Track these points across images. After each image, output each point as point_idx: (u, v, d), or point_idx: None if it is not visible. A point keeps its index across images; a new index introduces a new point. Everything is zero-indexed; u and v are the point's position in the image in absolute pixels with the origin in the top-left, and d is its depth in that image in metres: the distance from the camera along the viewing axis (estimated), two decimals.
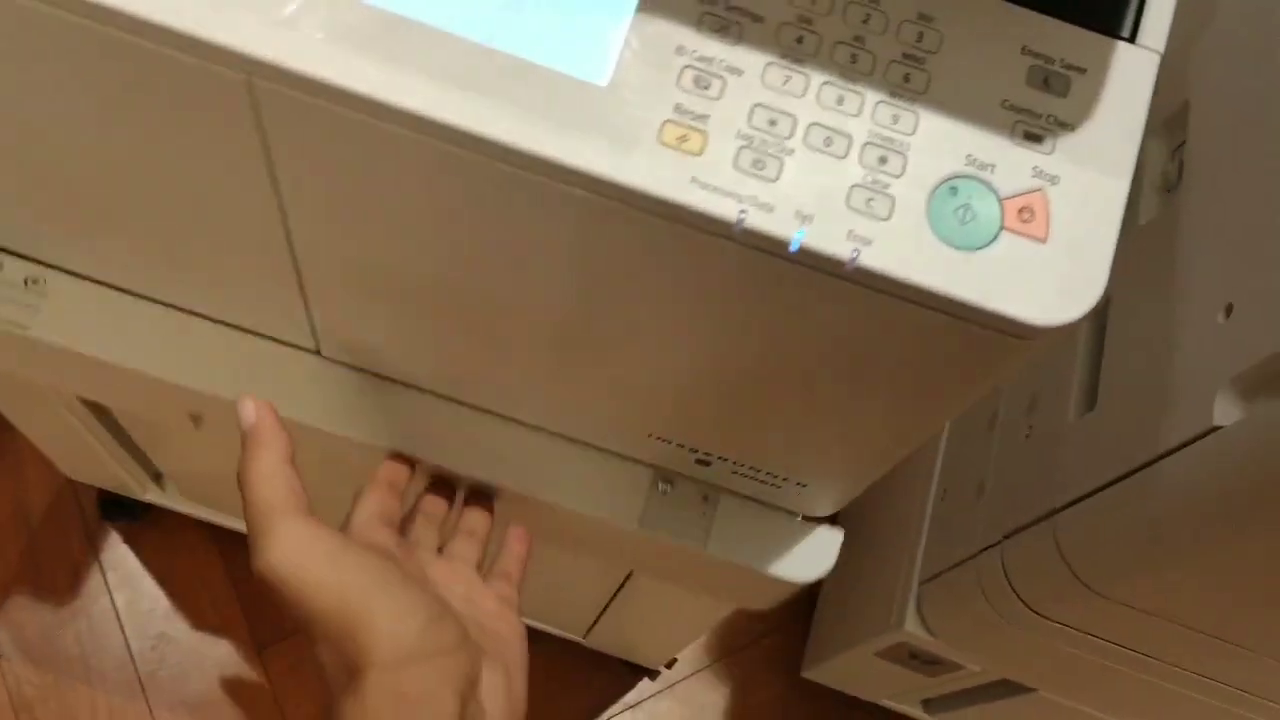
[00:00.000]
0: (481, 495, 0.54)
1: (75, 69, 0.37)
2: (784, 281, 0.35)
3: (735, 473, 0.52)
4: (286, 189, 0.40)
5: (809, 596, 1.13)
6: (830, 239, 0.34)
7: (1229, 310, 0.50)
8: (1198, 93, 0.63)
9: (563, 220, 0.36)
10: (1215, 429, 0.48)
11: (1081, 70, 0.35)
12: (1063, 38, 0.35)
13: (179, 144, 0.39)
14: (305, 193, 0.40)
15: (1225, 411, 0.47)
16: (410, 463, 0.52)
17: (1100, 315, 0.64)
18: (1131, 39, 0.36)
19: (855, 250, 0.34)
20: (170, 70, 0.34)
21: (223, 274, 0.49)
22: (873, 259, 0.34)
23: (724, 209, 0.33)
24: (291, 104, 0.34)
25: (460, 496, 0.54)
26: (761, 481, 0.52)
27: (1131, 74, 0.35)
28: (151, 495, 0.99)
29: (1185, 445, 0.49)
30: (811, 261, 0.34)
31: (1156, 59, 0.36)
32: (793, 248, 0.34)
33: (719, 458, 0.51)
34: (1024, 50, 0.35)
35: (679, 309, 0.39)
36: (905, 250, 0.34)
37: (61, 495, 1.07)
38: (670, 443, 0.51)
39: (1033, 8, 0.35)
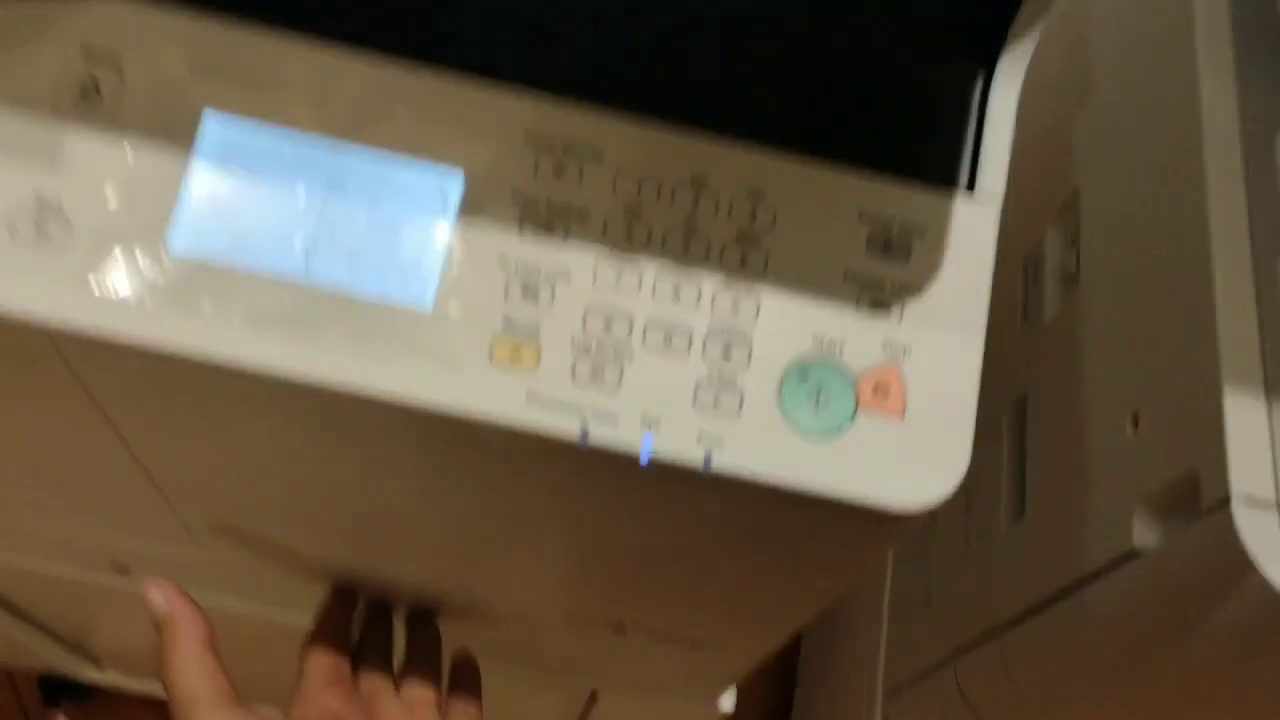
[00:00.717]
0: (424, 612, 0.51)
1: None
2: (640, 486, 0.33)
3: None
4: (124, 430, 0.38)
5: (784, 692, 1.09)
6: (680, 443, 0.32)
7: (1135, 420, 0.48)
8: (1085, 177, 0.62)
9: (404, 448, 0.34)
10: (1133, 552, 0.46)
11: (922, 229, 0.34)
12: (899, 197, 0.34)
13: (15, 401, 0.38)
14: (142, 432, 0.38)
15: (1143, 534, 0.46)
16: (349, 595, 0.49)
17: (1019, 414, 0.62)
18: (970, 187, 0.35)
19: (708, 453, 0.32)
20: None
21: (86, 502, 0.47)
22: (726, 459, 0.32)
23: (565, 425, 0.32)
24: (99, 362, 0.32)
25: (402, 617, 0.51)
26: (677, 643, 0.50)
27: (973, 225, 0.34)
28: (92, 675, 0.95)
29: (1107, 569, 0.47)
30: (664, 468, 0.32)
31: (997, 206, 0.34)
32: (643, 461, 0.32)
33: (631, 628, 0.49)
34: (861, 216, 0.34)
35: (536, 512, 0.37)
36: (759, 445, 0.32)
37: None
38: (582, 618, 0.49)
39: (865, 169, 0.34)
